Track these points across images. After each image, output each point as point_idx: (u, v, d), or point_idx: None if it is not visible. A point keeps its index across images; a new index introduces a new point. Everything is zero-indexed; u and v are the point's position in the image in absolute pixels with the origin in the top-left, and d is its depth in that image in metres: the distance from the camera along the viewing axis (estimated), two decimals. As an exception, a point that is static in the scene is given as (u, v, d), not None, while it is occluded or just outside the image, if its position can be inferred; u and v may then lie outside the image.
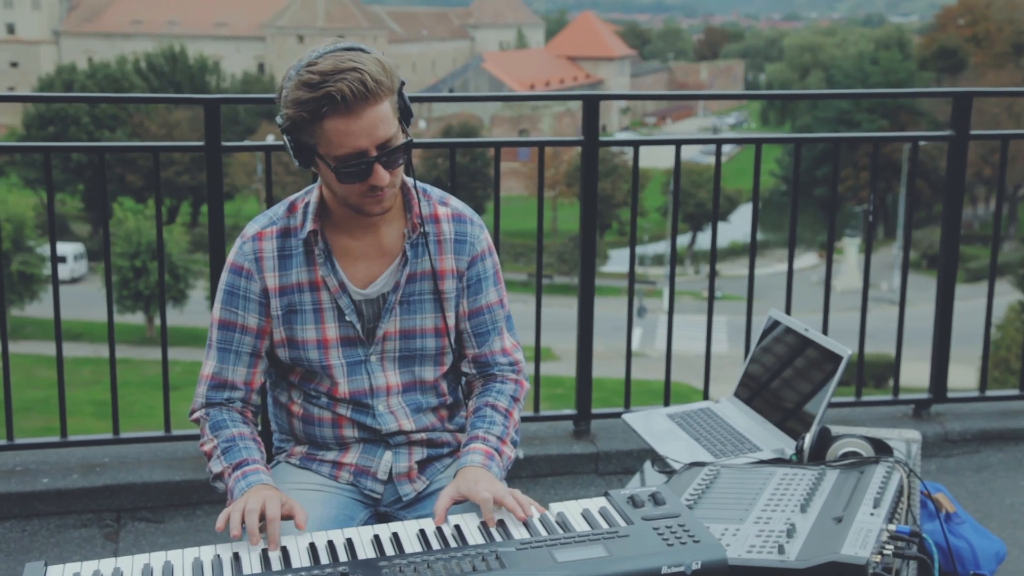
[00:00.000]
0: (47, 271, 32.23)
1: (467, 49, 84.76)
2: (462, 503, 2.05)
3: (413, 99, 2.45)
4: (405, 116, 2.14)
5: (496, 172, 3.97)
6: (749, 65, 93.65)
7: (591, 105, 3.85)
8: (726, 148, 49.16)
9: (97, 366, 25.47)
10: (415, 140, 2.24)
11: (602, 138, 3.89)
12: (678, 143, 4.06)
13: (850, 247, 38.44)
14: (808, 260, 38.85)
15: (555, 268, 36.01)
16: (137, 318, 31.02)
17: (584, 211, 3.88)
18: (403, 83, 2.14)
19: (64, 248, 37.27)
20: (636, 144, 4.11)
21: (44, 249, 32.43)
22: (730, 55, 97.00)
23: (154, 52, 56.21)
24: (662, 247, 38.69)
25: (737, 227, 38.87)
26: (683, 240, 43.77)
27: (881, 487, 2.40)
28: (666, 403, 3.76)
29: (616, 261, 39.22)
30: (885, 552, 2.17)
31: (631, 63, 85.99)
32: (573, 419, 3.87)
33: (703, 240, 42.97)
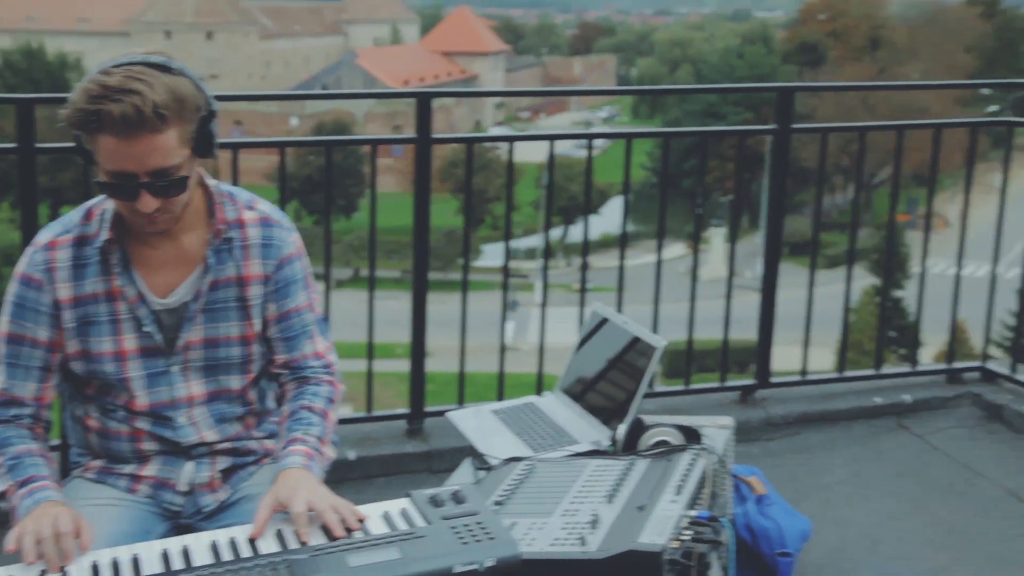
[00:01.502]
0: None
1: (340, 45, 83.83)
2: (282, 511, 2.02)
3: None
4: (203, 144, 2.08)
5: (328, 171, 3.95)
6: (621, 60, 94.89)
7: (424, 103, 3.85)
8: (597, 142, 49.58)
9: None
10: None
11: (436, 136, 3.89)
12: (511, 140, 4.17)
13: (716, 237, 39.35)
14: (677, 250, 39.58)
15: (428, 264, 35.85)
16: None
17: (417, 207, 3.87)
18: (211, 112, 2.08)
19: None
20: (470, 141, 4.17)
21: None
22: (603, 50, 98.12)
23: (10, 49, 54.11)
24: (535, 241, 38.96)
25: (609, 219, 39.43)
26: (556, 233, 44.17)
27: (685, 474, 2.45)
28: (500, 397, 3.79)
29: (489, 256, 39.34)
30: (683, 538, 2.22)
31: (506, 58, 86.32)
32: (406, 418, 3.86)
33: (576, 233, 43.46)
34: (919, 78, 51.42)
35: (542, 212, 40.65)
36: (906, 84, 23.01)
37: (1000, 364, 4.48)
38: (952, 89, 45.00)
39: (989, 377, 4.43)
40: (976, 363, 4.49)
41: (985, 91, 45.86)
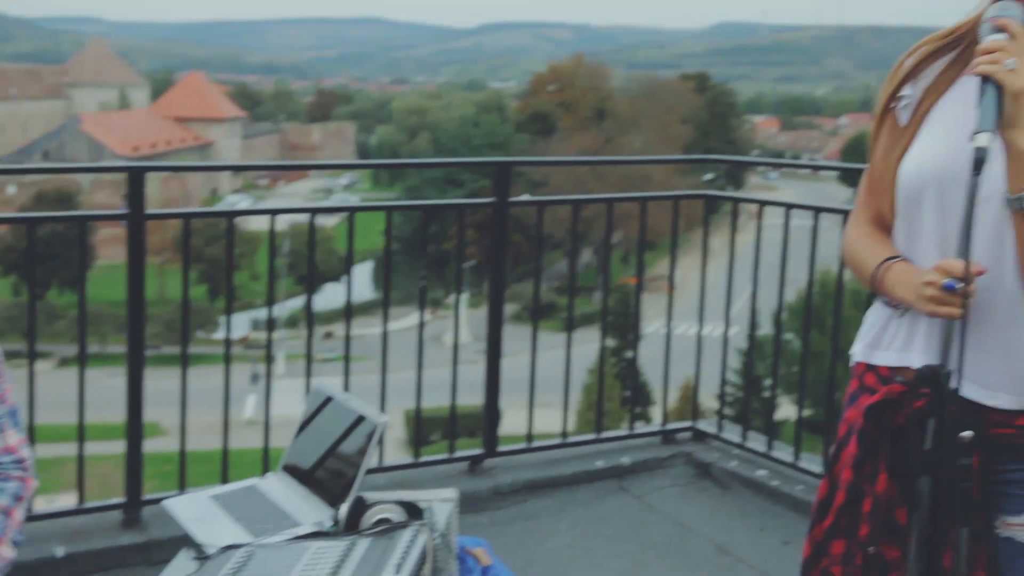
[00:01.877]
0: None
1: (63, 109, 79.90)
2: None
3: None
4: None
5: (31, 248, 3.74)
6: (360, 127, 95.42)
7: (136, 177, 3.73)
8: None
9: None
10: None
11: (151, 211, 3.79)
12: (231, 215, 4.14)
13: (460, 303, 39.99)
14: (418, 318, 39.91)
15: (163, 338, 34.44)
16: None
17: (131, 284, 3.71)
18: None
19: None
20: (187, 216, 4.07)
21: None
22: (341, 117, 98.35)
23: None
24: (279, 310, 38.24)
25: (354, 287, 39.28)
26: (297, 302, 43.55)
27: (405, 551, 2.45)
28: (224, 480, 3.66)
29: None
30: (403, 617, 2.21)
31: (242, 124, 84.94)
32: (123, 507, 3.66)
33: (318, 301, 43.02)
34: (641, 147, 54.66)
35: (282, 280, 40.01)
36: (610, 159, 25.19)
37: (708, 423, 4.75)
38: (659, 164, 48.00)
39: (699, 436, 4.69)
40: (687, 423, 4.75)
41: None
